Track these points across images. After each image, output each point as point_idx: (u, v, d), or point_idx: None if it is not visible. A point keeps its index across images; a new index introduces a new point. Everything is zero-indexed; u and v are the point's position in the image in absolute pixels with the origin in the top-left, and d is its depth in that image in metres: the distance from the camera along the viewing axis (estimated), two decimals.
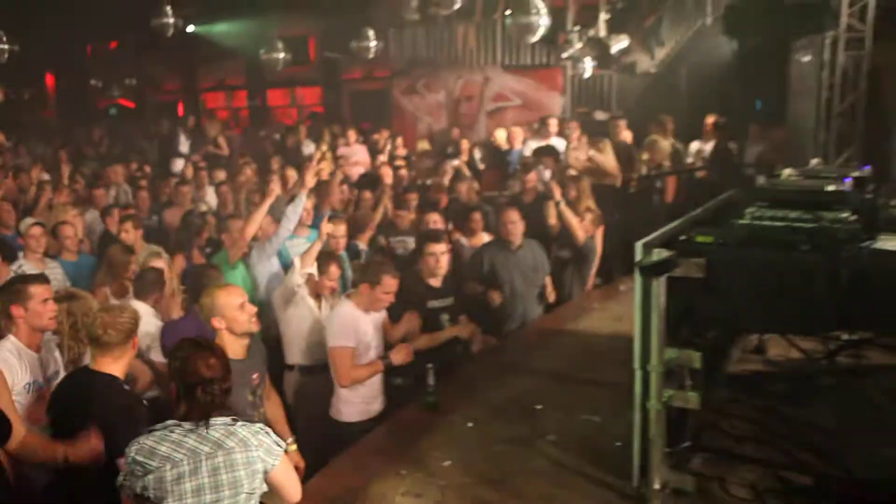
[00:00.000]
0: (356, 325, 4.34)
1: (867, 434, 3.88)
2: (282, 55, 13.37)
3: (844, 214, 3.32)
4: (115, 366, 3.28)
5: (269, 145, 12.04)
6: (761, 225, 3.42)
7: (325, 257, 5.01)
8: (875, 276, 2.90)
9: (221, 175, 8.98)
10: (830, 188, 3.44)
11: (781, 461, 3.71)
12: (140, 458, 2.39)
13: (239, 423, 2.50)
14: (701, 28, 11.53)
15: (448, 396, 4.52)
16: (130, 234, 5.94)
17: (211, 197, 8.37)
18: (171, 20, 12.10)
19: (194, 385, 2.44)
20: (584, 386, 4.76)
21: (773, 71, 9.63)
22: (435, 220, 6.30)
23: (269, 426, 2.73)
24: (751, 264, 3.17)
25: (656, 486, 3.35)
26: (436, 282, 5.03)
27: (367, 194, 7.51)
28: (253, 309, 3.61)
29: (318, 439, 4.34)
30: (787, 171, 3.97)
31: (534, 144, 9.36)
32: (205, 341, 2.61)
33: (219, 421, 2.46)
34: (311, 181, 5.79)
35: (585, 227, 6.35)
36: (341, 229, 5.65)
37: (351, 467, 3.88)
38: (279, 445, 2.56)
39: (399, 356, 4.36)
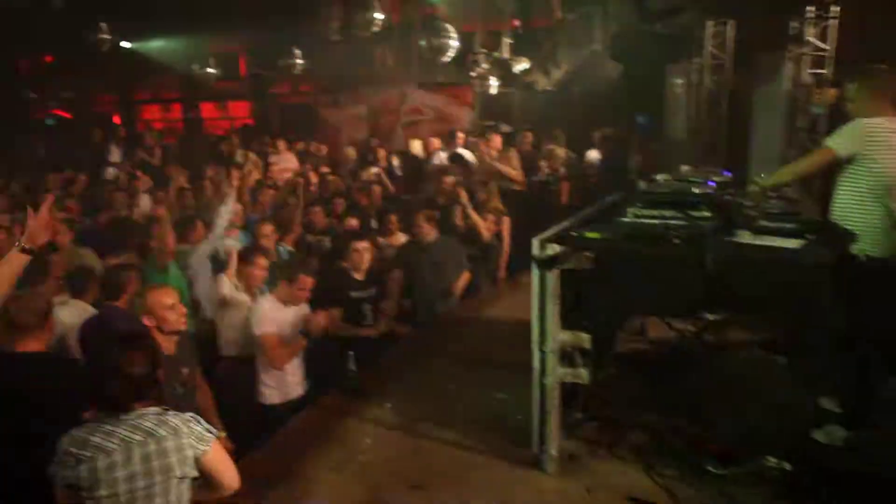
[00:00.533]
0: (275, 315, 4.31)
1: (730, 399, 4.08)
2: (213, 71, 12.98)
3: (709, 213, 3.47)
4: (36, 343, 3.17)
5: (202, 155, 11.63)
6: (641, 222, 3.53)
7: (253, 251, 4.91)
8: (734, 265, 3.03)
9: (155, 182, 8.61)
10: (697, 191, 3.58)
11: (661, 426, 3.85)
12: (72, 449, 2.24)
13: (170, 413, 2.39)
14: (592, 53, 11.83)
15: (368, 381, 4.50)
16: (65, 237, 5.63)
17: (147, 203, 8.01)
18: (107, 36, 11.55)
19: (121, 379, 2.31)
20: (490, 367, 4.80)
21: (653, 91, 10.01)
22: (356, 223, 6.31)
23: (200, 416, 2.62)
24: (632, 256, 3.26)
25: (553, 452, 3.42)
26: (359, 275, 5.04)
27: (293, 199, 7.35)
28: (183, 310, 3.50)
29: (249, 424, 4.22)
30: (662, 177, 4.11)
31: (443, 154, 9.38)
32: (133, 337, 2.47)
33: (151, 411, 2.34)
34: (235, 185, 5.70)
35: (489, 226, 6.42)
36: (268, 229, 5.57)
37: (279, 448, 3.81)
38: (210, 433, 2.46)
39: (315, 328, 4.32)
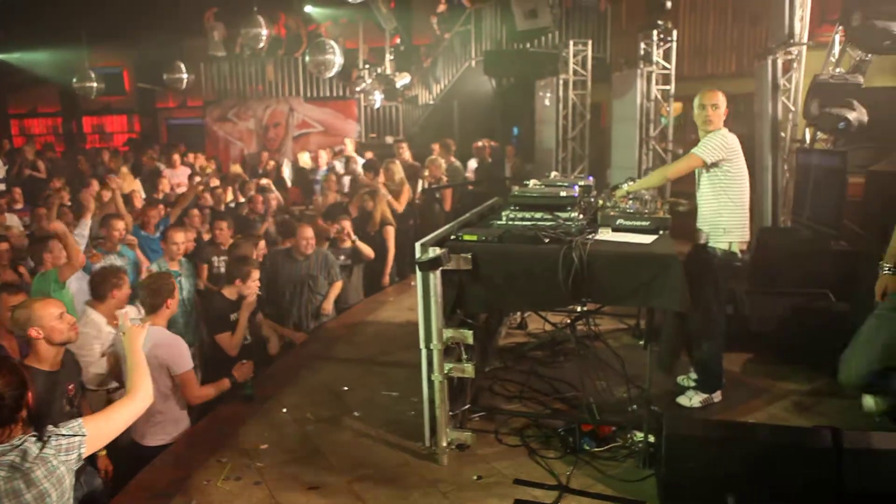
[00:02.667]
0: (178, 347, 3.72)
1: (601, 383, 4.24)
2: (94, 84, 12.07)
3: (574, 214, 3.59)
4: None
5: (87, 169, 10.79)
6: (514, 224, 3.59)
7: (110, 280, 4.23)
8: (597, 259, 3.14)
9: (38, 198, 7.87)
10: (564, 194, 3.68)
11: (541, 412, 3.94)
12: None
13: (29, 441, 2.06)
14: (468, 68, 12.04)
15: (263, 387, 4.32)
16: None
17: (15, 222, 7.24)
18: None
19: None
20: (383, 367, 4.74)
21: (524, 104, 10.32)
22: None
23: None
24: (507, 256, 3.30)
25: (444, 443, 3.41)
26: (233, 296, 4.58)
27: (195, 211, 6.87)
28: (72, 318, 3.18)
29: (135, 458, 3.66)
30: (532, 182, 4.20)
31: (338, 165, 9.21)
32: None
33: (12, 443, 2.05)
34: (91, 204, 5.19)
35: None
36: (180, 237, 5.02)
37: (173, 461, 3.55)
38: (73, 432, 2.13)
39: (242, 373, 4.01)
